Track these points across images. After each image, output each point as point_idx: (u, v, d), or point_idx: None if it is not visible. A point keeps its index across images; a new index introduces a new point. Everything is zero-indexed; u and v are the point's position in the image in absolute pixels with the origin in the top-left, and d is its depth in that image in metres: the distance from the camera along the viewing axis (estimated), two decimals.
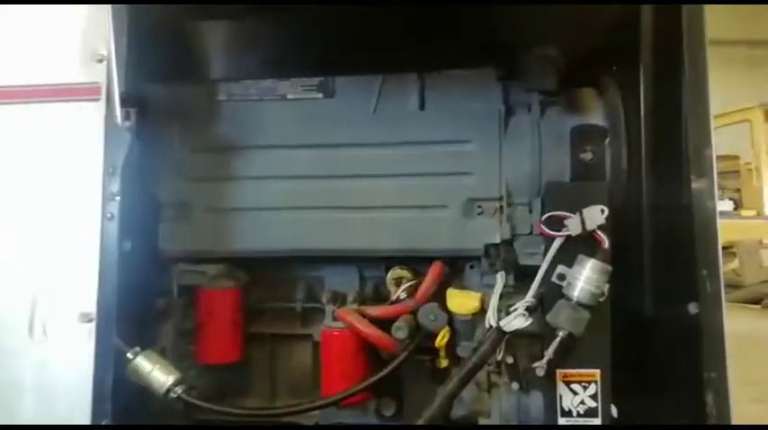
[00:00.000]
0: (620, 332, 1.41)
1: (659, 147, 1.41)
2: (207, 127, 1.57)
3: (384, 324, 1.53)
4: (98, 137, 1.35)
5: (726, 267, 7.39)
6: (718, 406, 1.18)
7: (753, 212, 7.94)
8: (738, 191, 8.55)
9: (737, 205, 8.31)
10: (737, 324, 5.54)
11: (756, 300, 6.76)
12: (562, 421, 1.42)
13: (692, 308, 1.25)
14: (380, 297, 1.65)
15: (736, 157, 8.40)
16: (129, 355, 1.42)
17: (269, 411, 1.54)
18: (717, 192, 1.26)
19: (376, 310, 1.56)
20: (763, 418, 3.17)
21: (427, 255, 1.55)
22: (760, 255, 7.40)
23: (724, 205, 7.87)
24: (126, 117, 1.34)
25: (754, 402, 3.51)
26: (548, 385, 1.41)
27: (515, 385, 1.50)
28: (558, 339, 1.35)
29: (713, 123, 1.27)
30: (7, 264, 1.37)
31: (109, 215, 1.35)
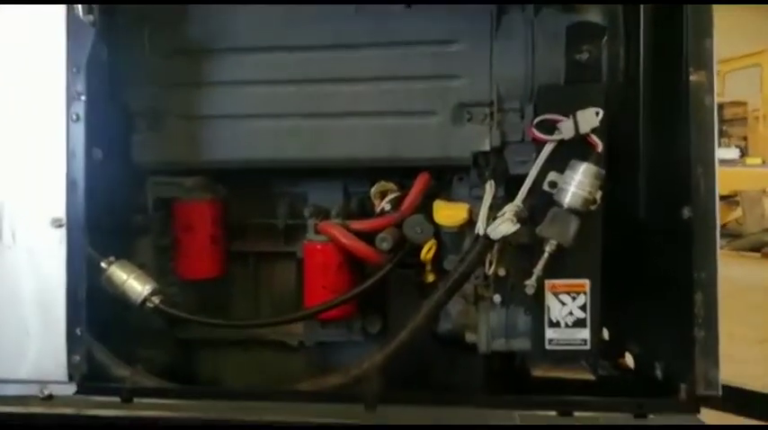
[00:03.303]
0: (611, 240, 1.36)
1: (659, 44, 1.33)
2: (178, 29, 1.48)
3: (369, 238, 1.48)
4: (60, 33, 1.28)
5: (729, 217, 7.39)
6: (705, 306, 1.14)
7: (758, 161, 7.84)
8: (745, 138, 8.42)
9: (744, 153, 8.20)
10: (737, 271, 5.55)
11: (756, 249, 6.74)
12: (550, 332, 1.39)
13: (686, 212, 1.20)
14: (366, 213, 1.60)
15: (743, 104, 8.23)
16: (104, 265, 1.38)
17: (248, 322, 1.51)
18: (716, 87, 1.19)
19: (360, 224, 1.51)
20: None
21: (413, 164, 1.49)
22: (763, 204, 7.35)
23: (730, 153, 7.77)
24: (88, 10, 1.26)
25: (759, 343, 3.54)
26: (536, 296, 1.36)
27: (497, 298, 1.46)
28: (547, 254, 1.31)
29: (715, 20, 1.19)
30: None
31: (74, 116, 1.29)
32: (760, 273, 5.94)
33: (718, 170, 1.17)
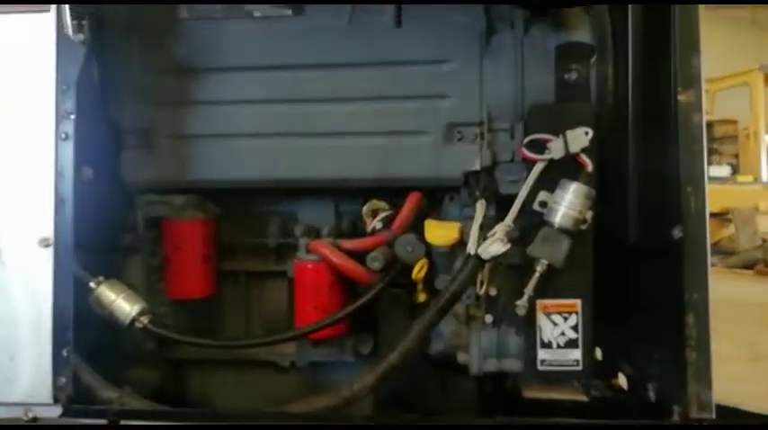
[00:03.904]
0: (603, 260, 1.36)
1: (647, 63, 1.34)
2: (169, 47, 1.48)
3: (360, 258, 1.47)
4: (50, 51, 1.28)
5: (721, 234, 7.42)
6: (698, 327, 1.13)
7: (750, 178, 7.89)
8: (736, 156, 8.48)
9: (735, 171, 8.25)
10: (730, 288, 5.55)
11: (749, 266, 6.75)
12: (541, 353, 1.37)
13: (677, 232, 1.19)
14: (357, 233, 1.59)
15: (734, 122, 8.31)
16: (92, 285, 1.36)
17: (238, 342, 1.49)
18: (704, 105, 1.19)
19: (351, 243, 1.50)
20: (761, 375, 3.19)
21: (404, 184, 1.48)
22: (755, 221, 7.38)
23: (721, 170, 7.82)
24: (78, 29, 1.26)
25: (752, 360, 3.52)
26: (527, 317, 1.35)
27: (489, 318, 1.45)
28: (537, 274, 1.31)
29: (703, 52, 1.20)
30: None
31: (63, 135, 1.28)
32: (753, 290, 5.94)
33: (708, 189, 1.17)
